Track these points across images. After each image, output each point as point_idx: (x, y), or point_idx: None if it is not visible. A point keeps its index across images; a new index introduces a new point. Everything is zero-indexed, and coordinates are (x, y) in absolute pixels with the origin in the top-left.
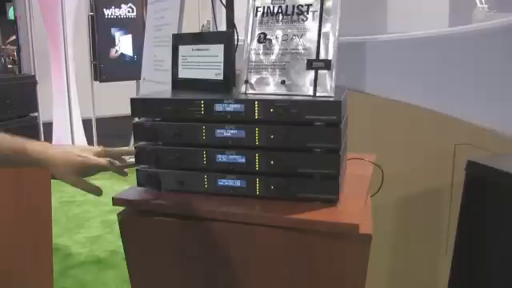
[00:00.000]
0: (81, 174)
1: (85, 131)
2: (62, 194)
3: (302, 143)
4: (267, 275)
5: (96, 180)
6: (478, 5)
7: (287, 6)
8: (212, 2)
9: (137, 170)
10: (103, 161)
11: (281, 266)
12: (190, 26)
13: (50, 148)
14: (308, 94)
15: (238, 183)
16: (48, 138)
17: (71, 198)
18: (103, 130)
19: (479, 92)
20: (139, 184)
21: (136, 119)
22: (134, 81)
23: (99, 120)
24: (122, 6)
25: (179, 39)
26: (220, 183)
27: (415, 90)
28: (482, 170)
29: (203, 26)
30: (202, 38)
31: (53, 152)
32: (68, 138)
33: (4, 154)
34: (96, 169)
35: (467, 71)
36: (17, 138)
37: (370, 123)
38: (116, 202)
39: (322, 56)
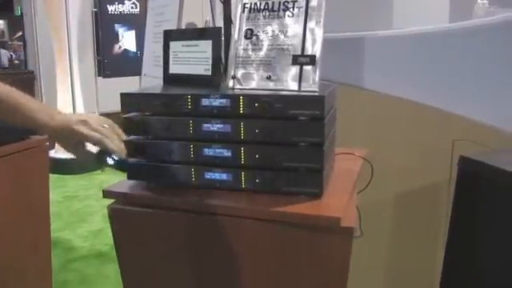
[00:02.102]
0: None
1: None
2: (65, 188)
3: (286, 138)
4: (253, 267)
5: (99, 175)
6: (479, 1)
7: (273, 3)
8: None
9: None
10: (95, 135)
11: (266, 257)
12: (195, 22)
13: (53, 120)
14: (293, 89)
15: (224, 176)
16: None
17: (74, 193)
18: None
19: (478, 88)
20: (129, 177)
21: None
22: (138, 76)
23: (103, 115)
24: (125, 1)
25: (170, 35)
26: (207, 176)
27: (413, 86)
28: (473, 166)
29: (207, 21)
30: (191, 34)
31: (54, 126)
32: None
33: (11, 113)
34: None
35: (466, 67)
36: (25, 99)
37: (368, 119)
38: (106, 194)
39: (308, 51)
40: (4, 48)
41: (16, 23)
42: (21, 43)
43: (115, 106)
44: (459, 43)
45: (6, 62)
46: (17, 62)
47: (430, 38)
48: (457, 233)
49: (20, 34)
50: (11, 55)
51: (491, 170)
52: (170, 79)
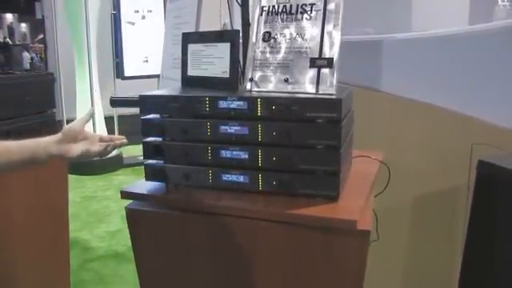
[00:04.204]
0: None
1: (106, 128)
2: (83, 189)
3: (303, 140)
4: (269, 269)
5: (117, 176)
6: (499, 2)
7: (291, 6)
8: (228, 2)
9: (144, 164)
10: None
11: (282, 259)
12: (212, 25)
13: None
14: (310, 91)
15: (241, 178)
16: None
17: (92, 194)
18: (125, 127)
19: (497, 91)
20: (147, 178)
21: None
22: (156, 78)
23: (121, 117)
24: None
25: (189, 38)
26: (224, 178)
27: (431, 89)
28: (492, 170)
29: (225, 24)
30: (209, 36)
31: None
32: None
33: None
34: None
35: (485, 70)
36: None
37: (385, 122)
38: (124, 195)
39: (325, 54)
40: (26, 50)
41: (37, 26)
42: (42, 45)
43: (133, 107)
44: (479, 45)
45: (27, 65)
46: (38, 64)
47: (450, 41)
48: (475, 237)
49: (41, 36)
50: (32, 58)
51: (509, 173)
52: (188, 81)
